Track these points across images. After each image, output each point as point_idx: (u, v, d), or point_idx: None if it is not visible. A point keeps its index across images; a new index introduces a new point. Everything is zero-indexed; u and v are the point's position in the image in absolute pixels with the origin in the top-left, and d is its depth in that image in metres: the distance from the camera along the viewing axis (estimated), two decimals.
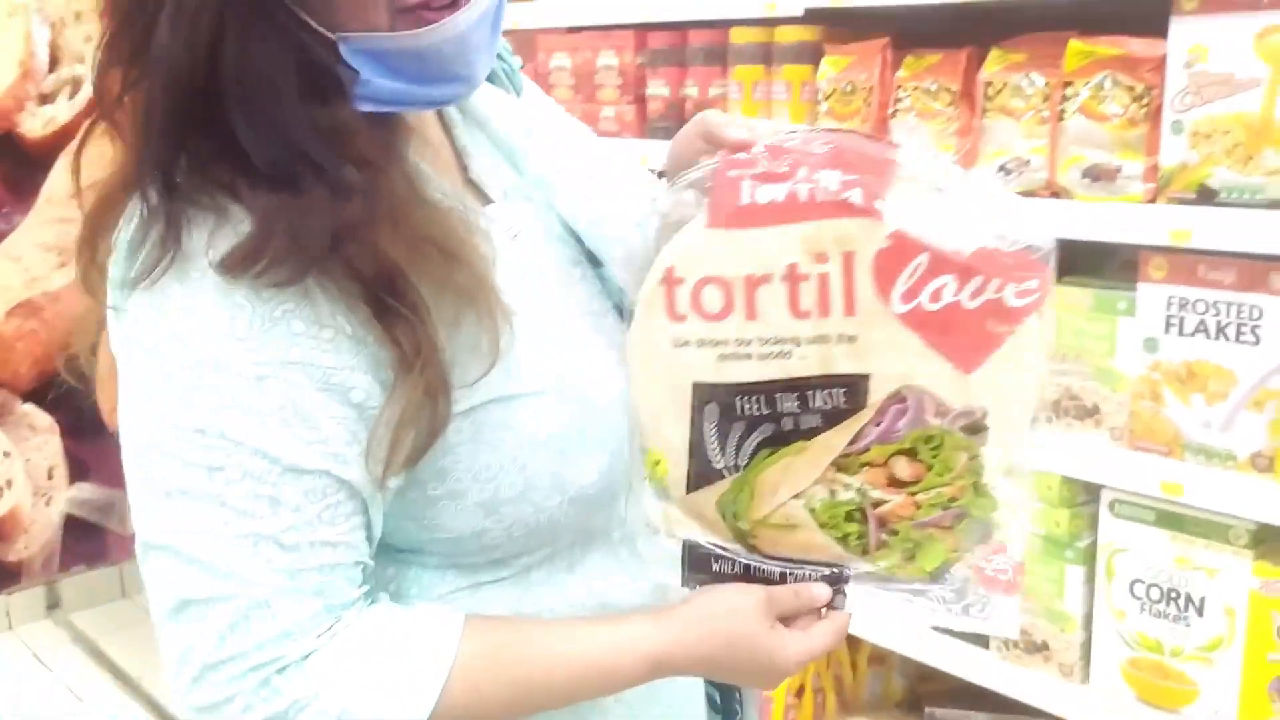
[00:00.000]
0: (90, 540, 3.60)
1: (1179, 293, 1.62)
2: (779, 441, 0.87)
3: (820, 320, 0.86)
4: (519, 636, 0.87)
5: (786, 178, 0.86)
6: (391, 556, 0.90)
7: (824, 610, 0.90)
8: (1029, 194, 1.76)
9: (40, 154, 3.25)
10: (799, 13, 1.98)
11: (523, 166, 1.03)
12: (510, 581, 0.92)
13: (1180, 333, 1.63)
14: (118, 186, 0.85)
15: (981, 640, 1.91)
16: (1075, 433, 1.77)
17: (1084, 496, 1.80)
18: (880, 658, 2.24)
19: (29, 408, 3.38)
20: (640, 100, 2.34)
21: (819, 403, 0.86)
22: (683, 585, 0.92)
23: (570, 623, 0.91)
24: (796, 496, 0.87)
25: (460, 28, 0.83)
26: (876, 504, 0.87)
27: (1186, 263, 1.61)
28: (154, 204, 0.81)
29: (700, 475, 0.89)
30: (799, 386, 0.86)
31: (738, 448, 0.88)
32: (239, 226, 0.80)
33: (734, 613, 0.88)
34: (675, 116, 2.27)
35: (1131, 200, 1.65)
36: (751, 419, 0.87)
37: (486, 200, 0.99)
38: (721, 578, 0.91)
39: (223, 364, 0.78)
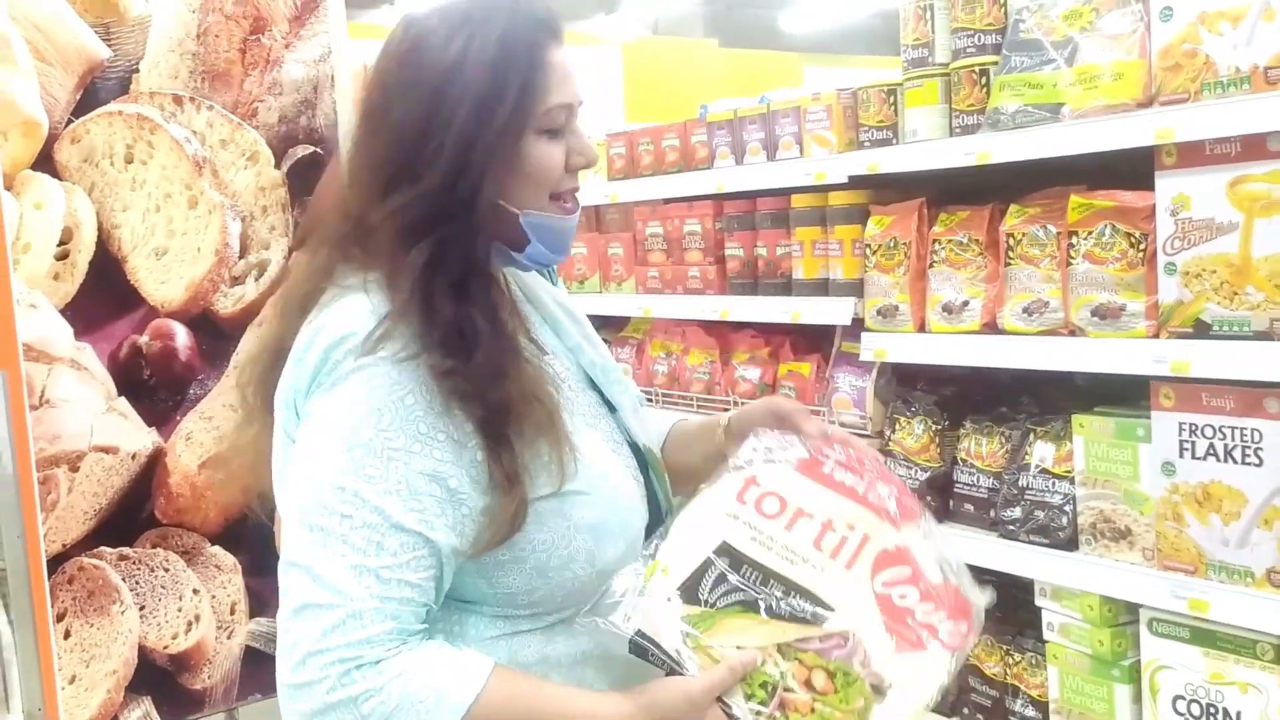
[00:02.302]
0: (267, 670, 3.97)
1: (1188, 419, 1.74)
2: (750, 607, 1.16)
3: (827, 559, 1.19)
4: (532, 685, 1.14)
5: (859, 473, 1.26)
6: (458, 605, 1.19)
7: None
8: (1050, 333, 1.92)
9: (231, 327, 3.77)
10: (844, 179, 2.23)
11: (561, 334, 1.36)
12: (540, 632, 1.21)
13: (1193, 456, 1.73)
14: (301, 299, 1.21)
15: None
16: (1112, 555, 1.87)
17: (1125, 616, 1.88)
18: None
19: (216, 549, 3.81)
20: (720, 260, 2.62)
21: (793, 601, 1.17)
22: (629, 653, 1.17)
23: (569, 687, 1.18)
24: (740, 647, 1.13)
25: (577, 219, 1.26)
26: (787, 689, 1.12)
27: (1191, 391, 1.73)
28: (371, 335, 1.12)
29: (686, 594, 1.18)
30: (787, 584, 1.18)
31: (720, 594, 1.17)
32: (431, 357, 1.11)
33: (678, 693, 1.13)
34: (749, 274, 2.53)
35: (1137, 336, 1.79)
36: (740, 584, 1.18)
37: (543, 353, 1.30)
38: (651, 666, 1.17)
39: (365, 444, 1.08)
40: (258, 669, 3.93)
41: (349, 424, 1.09)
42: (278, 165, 3.84)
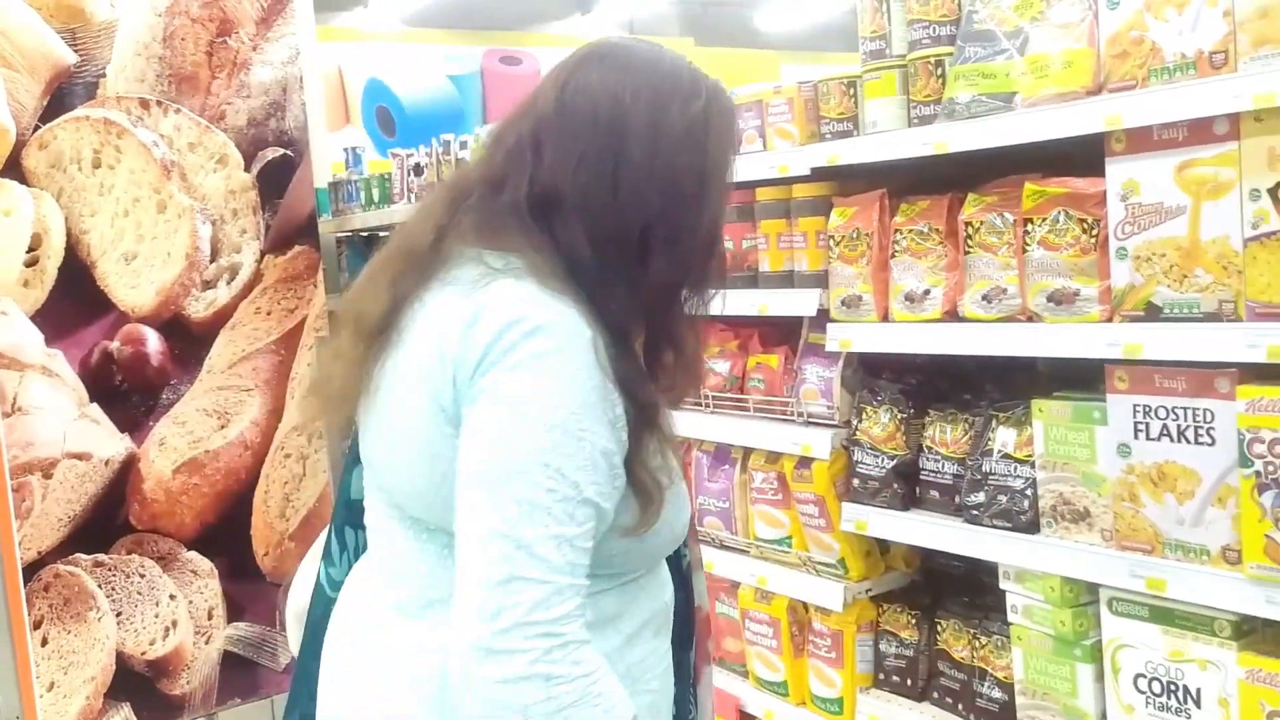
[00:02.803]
0: (245, 675, 3.97)
1: (1142, 401, 1.76)
2: None
3: None
4: None
5: None
6: None
7: None
8: (1009, 319, 1.94)
9: (202, 331, 3.77)
10: (806, 171, 2.25)
11: None
12: (615, 590, 1.30)
13: (1148, 437, 1.76)
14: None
15: None
16: (1072, 536, 1.89)
17: (1086, 596, 1.91)
18: None
19: (192, 554, 3.81)
20: None
21: None
22: None
23: None
24: None
25: None
26: None
27: (1145, 374, 1.76)
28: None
29: None
30: None
31: None
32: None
33: None
34: None
35: (1091, 320, 1.81)
36: None
37: None
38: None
39: (562, 424, 1.15)
40: (237, 673, 3.93)
41: (546, 405, 1.15)
42: (247, 168, 3.85)
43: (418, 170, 3.90)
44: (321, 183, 4.34)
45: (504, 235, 1.24)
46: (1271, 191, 1.57)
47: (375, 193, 4.15)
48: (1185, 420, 1.71)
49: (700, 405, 2.64)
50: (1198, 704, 1.74)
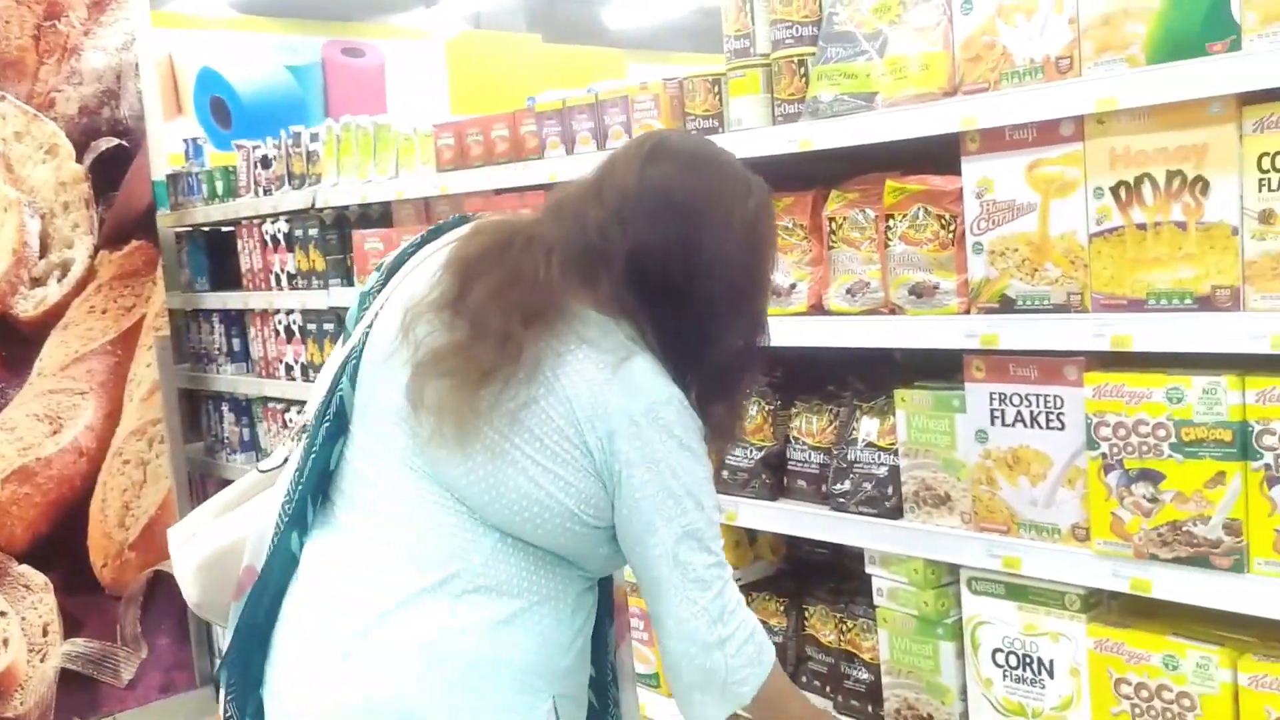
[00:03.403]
0: (85, 693, 3.76)
1: (998, 389, 1.85)
2: None
3: None
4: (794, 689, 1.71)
5: None
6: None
7: None
8: (872, 312, 2.01)
9: (32, 332, 3.55)
10: None
11: None
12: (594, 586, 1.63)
13: (1003, 423, 1.85)
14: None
15: None
16: (934, 520, 1.97)
17: (947, 577, 2.00)
18: None
19: (24, 568, 3.59)
20: None
21: None
22: None
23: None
24: None
25: None
26: None
27: (1000, 363, 1.84)
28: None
29: None
30: None
31: None
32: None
33: None
34: None
35: (949, 312, 1.89)
36: None
37: None
38: None
39: (708, 478, 1.50)
40: (75, 692, 3.72)
41: (701, 466, 1.48)
42: (79, 158, 3.64)
43: (265, 163, 3.76)
44: (159, 175, 4.14)
45: (623, 306, 1.45)
46: (1114, 190, 1.67)
47: (219, 185, 3.98)
48: (1038, 406, 1.80)
49: None
50: (1051, 674, 1.84)
